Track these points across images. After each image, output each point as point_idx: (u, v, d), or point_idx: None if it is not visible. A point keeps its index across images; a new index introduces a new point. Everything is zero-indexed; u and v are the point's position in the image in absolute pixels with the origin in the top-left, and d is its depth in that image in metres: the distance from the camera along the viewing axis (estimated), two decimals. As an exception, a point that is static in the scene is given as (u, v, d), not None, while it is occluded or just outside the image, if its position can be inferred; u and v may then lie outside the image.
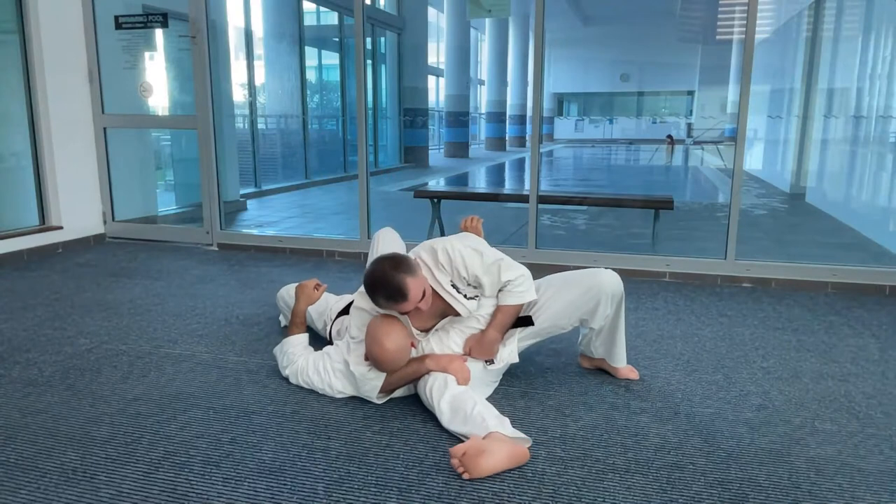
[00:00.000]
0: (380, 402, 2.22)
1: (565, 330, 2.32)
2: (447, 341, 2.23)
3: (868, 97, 6.30)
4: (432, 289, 2.14)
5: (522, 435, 1.90)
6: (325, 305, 2.73)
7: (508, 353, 2.26)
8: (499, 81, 20.66)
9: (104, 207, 5.05)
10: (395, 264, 2.03)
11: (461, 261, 2.13)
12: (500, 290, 2.18)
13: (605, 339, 2.38)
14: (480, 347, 2.20)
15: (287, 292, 2.96)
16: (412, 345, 2.18)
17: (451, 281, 2.16)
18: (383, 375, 2.16)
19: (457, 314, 2.21)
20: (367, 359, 2.17)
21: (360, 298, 2.21)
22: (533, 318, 2.26)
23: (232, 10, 8.92)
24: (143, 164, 5.59)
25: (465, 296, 2.18)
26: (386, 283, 2.01)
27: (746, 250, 4.08)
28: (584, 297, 2.23)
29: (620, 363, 2.44)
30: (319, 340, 2.70)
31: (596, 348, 2.43)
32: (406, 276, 2.00)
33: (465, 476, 1.75)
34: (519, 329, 2.27)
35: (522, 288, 2.17)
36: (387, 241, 2.89)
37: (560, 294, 2.25)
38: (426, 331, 2.27)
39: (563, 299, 2.24)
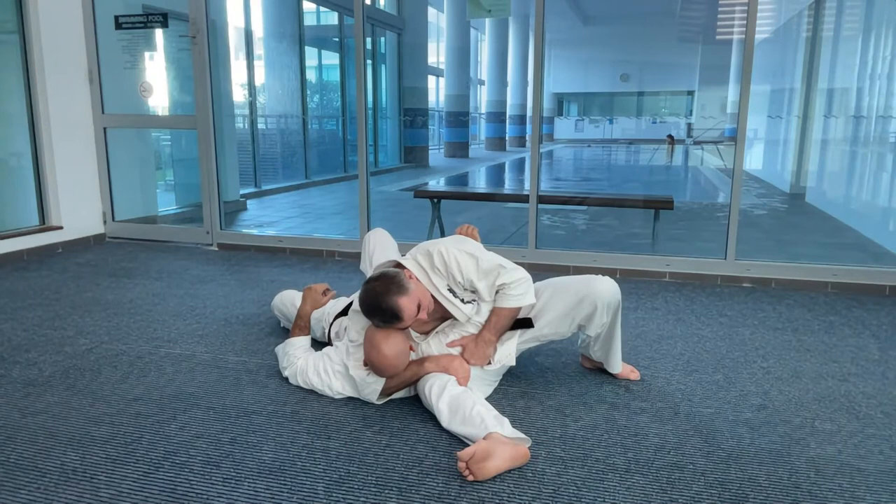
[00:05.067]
0: (379, 402, 2.23)
1: (565, 336, 2.31)
2: (446, 343, 2.23)
3: (868, 97, 6.30)
4: (430, 294, 2.14)
5: (522, 435, 1.90)
6: (321, 311, 2.71)
7: (506, 354, 2.24)
8: (499, 81, 20.66)
9: (104, 207, 5.05)
10: (386, 286, 2.02)
11: (456, 265, 2.12)
12: (496, 293, 2.17)
13: (602, 345, 2.37)
14: (475, 348, 2.19)
15: (280, 300, 2.95)
16: (411, 348, 2.17)
17: (448, 285, 2.16)
18: (383, 380, 2.16)
19: (455, 318, 2.21)
20: (366, 364, 2.17)
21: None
22: (533, 321, 2.25)
23: (232, 10, 8.93)
24: (143, 164, 5.59)
25: (461, 300, 2.17)
26: (379, 308, 2.02)
27: (746, 250, 4.08)
28: (580, 305, 2.20)
29: (616, 369, 2.43)
30: (319, 342, 2.70)
31: (594, 352, 2.42)
32: (398, 298, 2.00)
33: (470, 478, 1.75)
34: (519, 331, 2.26)
35: (519, 291, 2.15)
36: (379, 243, 2.86)
37: (557, 301, 2.22)
38: (426, 333, 2.27)
39: (560, 307, 2.22)
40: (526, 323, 2.24)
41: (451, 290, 2.16)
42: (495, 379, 2.34)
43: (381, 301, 2.01)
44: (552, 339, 2.32)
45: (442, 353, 2.21)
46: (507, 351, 2.24)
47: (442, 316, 2.24)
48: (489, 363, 2.22)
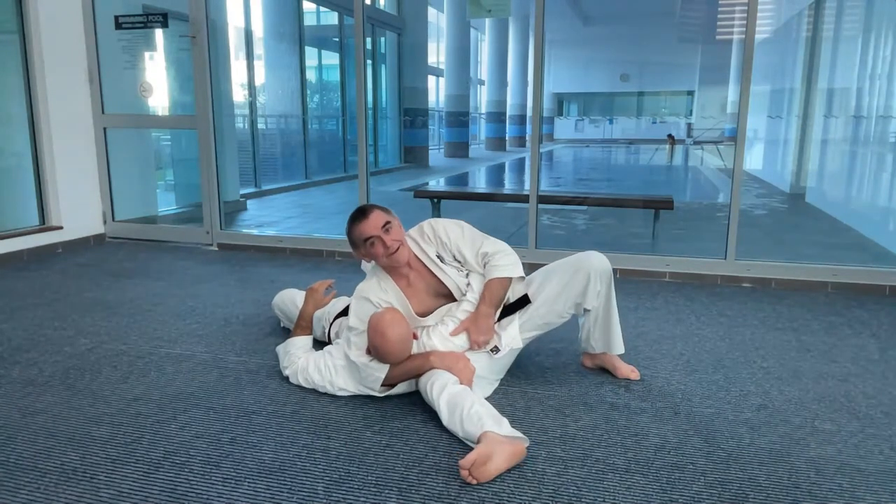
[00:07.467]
0: (381, 395, 2.23)
1: (564, 318, 2.33)
2: (449, 333, 2.26)
3: (868, 97, 6.30)
4: (422, 263, 2.28)
5: (520, 434, 1.90)
6: (322, 310, 2.71)
7: (511, 337, 2.29)
8: (499, 81, 20.67)
9: (104, 207, 5.05)
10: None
11: (444, 231, 2.32)
12: (485, 266, 2.29)
13: (601, 327, 2.40)
14: (476, 324, 2.24)
15: (281, 299, 2.96)
16: (414, 336, 2.21)
17: (437, 252, 2.29)
18: (386, 367, 2.17)
19: (449, 293, 2.30)
20: (368, 352, 2.18)
21: (363, 287, 2.27)
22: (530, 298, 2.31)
23: (232, 10, 8.92)
24: (143, 164, 5.59)
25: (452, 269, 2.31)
26: (356, 212, 2.24)
27: (746, 250, 4.08)
28: (574, 277, 2.29)
29: (619, 349, 2.45)
30: (319, 344, 2.70)
31: (596, 340, 2.43)
32: (374, 206, 2.24)
33: (472, 482, 1.75)
34: (518, 312, 2.31)
35: (505, 262, 2.27)
36: None
37: (551, 280, 2.31)
38: (425, 315, 2.31)
39: (555, 284, 2.30)
40: (523, 301, 2.31)
41: (439, 257, 2.30)
42: (498, 377, 2.36)
43: (359, 207, 2.24)
44: (551, 323, 2.34)
45: (445, 345, 2.24)
46: (512, 334, 2.30)
47: (435, 290, 2.32)
48: (497, 350, 2.27)
